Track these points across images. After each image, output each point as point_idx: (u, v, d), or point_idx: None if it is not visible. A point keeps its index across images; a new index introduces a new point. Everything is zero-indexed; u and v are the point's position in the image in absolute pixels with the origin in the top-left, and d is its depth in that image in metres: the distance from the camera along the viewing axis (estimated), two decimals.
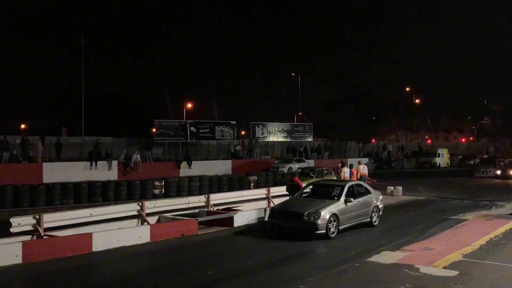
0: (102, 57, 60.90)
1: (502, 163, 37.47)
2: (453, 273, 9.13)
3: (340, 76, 53.49)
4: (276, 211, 13.44)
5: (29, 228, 11.74)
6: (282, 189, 19.58)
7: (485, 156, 53.66)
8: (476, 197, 22.80)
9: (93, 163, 28.23)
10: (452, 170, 46.68)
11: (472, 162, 50.68)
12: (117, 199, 22.14)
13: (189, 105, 46.94)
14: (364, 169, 23.02)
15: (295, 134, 45.11)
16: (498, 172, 34.98)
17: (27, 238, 11.55)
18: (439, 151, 51.19)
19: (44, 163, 27.14)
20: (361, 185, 15.23)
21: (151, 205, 14.70)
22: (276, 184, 23.78)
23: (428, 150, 53.88)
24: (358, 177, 21.98)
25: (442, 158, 50.21)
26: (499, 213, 17.72)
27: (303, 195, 14.76)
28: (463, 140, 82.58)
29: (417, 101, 61.44)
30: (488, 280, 8.76)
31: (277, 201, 16.90)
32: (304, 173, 25.64)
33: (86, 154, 30.11)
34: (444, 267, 9.55)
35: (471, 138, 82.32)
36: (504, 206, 19.58)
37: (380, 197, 15.75)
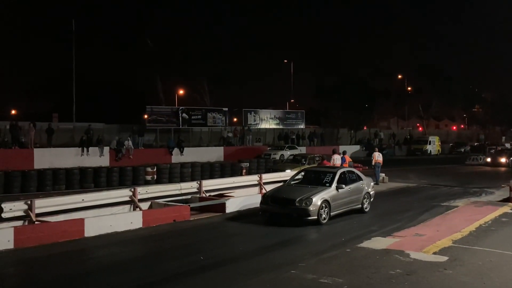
0: (94, 42, 60.28)
1: (492, 151, 37.75)
2: (443, 258, 9.25)
3: (333, 63, 53.26)
4: (268, 197, 13.49)
5: (21, 213, 11.70)
6: (274, 176, 19.71)
7: (475, 143, 54.04)
8: (466, 184, 22.99)
9: (85, 149, 28.11)
10: (443, 157, 46.98)
11: (462, 150, 51.05)
12: (109, 185, 22.12)
13: (181, 92, 46.74)
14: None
15: (287, 121, 45.16)
16: (488, 159, 35.27)
17: (19, 223, 11.53)
18: (430, 138, 51.44)
19: (35, 149, 26.97)
20: (352, 172, 15.29)
21: (143, 191, 14.71)
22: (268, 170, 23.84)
23: (419, 138, 54.12)
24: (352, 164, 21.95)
25: (433, 146, 50.49)
26: (489, 200, 17.89)
27: (295, 182, 14.82)
28: (454, 127, 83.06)
29: (409, 88, 61.60)
30: (477, 265, 8.88)
31: (269, 188, 16.98)
32: (296, 160, 25.73)
33: (77, 140, 29.97)
34: (434, 253, 9.67)
35: (462, 126, 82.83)
36: (493, 193, 19.76)
37: (372, 183, 15.89)
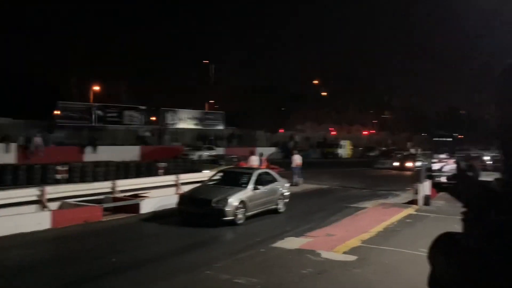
0: (3, 30, 56.54)
1: (399, 155, 39.86)
2: (352, 257, 9.63)
3: (255, 67, 53.92)
4: (185, 198, 13.41)
5: None
6: (192, 176, 19.59)
7: (384, 148, 56.82)
8: (375, 186, 24.07)
9: None
10: (354, 161, 48.95)
11: (372, 154, 53.47)
12: (16, 184, 20.89)
13: (97, 88, 45.18)
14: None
15: (206, 121, 45.11)
16: (395, 163, 37.26)
17: None
18: (342, 142, 53.55)
19: None
20: (268, 173, 15.59)
21: (53, 191, 14.02)
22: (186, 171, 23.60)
23: (331, 141, 56.11)
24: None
25: (344, 149, 52.56)
26: (395, 202, 18.81)
27: (212, 182, 14.84)
28: (365, 132, 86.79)
29: (324, 94, 63.71)
30: (383, 264, 9.34)
31: (187, 188, 16.82)
32: (214, 161, 25.78)
33: None
34: (344, 252, 10.04)
35: (373, 131, 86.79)
36: (399, 195, 20.79)
37: (287, 185, 16.24)
